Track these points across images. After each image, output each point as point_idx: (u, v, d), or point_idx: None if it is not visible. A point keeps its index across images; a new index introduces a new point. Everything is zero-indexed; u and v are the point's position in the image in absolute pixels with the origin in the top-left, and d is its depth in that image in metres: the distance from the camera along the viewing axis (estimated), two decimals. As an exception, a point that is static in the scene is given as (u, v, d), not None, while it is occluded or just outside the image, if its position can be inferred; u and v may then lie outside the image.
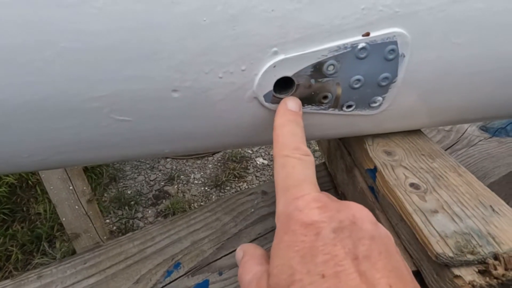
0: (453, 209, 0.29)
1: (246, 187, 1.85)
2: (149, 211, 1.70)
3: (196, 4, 0.22)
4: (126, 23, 0.22)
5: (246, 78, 0.26)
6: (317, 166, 0.53)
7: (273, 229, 0.44)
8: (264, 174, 1.95)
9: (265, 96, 0.27)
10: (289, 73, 0.26)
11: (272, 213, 0.46)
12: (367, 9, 0.25)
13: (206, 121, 0.28)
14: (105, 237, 1.20)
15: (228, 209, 0.45)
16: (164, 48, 0.23)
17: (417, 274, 0.29)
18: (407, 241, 0.30)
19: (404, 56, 0.27)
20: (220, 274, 0.37)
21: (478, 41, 0.28)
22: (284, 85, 0.27)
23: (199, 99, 0.26)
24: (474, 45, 0.28)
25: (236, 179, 1.89)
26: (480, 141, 0.66)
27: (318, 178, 0.23)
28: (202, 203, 1.74)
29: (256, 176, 1.94)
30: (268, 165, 2.02)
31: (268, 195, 0.48)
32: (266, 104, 0.28)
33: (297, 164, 0.23)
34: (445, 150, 0.64)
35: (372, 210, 0.36)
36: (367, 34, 0.26)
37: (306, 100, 0.28)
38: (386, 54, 0.27)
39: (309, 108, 0.29)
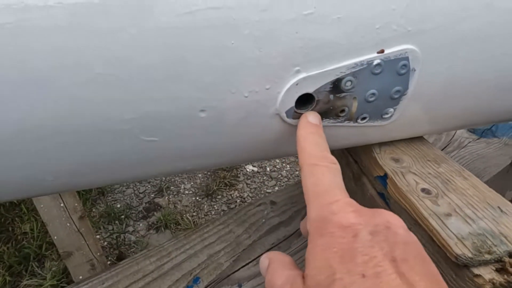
0: (465, 212, 0.30)
1: (238, 195, 1.85)
2: (140, 224, 1.67)
3: (226, 29, 0.23)
4: (158, 48, 0.23)
5: (270, 96, 0.27)
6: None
7: (285, 239, 0.44)
8: (255, 182, 1.96)
9: (287, 112, 0.28)
10: (310, 90, 0.27)
11: (282, 223, 0.46)
12: (381, 28, 0.26)
13: (229, 137, 0.29)
14: (98, 254, 1.18)
15: (239, 220, 0.46)
16: (193, 71, 0.24)
17: (435, 275, 0.31)
18: (423, 244, 0.32)
19: (414, 71, 0.29)
20: (240, 286, 0.38)
21: (482, 54, 0.30)
22: (304, 100, 0.28)
23: (224, 117, 0.27)
24: (478, 58, 0.30)
25: (227, 187, 1.89)
26: (469, 142, 0.69)
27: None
28: (194, 214, 1.73)
29: (247, 184, 1.94)
30: (258, 172, 2.03)
31: (277, 205, 0.49)
32: (288, 119, 0.29)
33: (326, 172, 0.24)
34: (438, 152, 0.66)
35: (383, 216, 0.38)
36: (382, 51, 0.27)
37: (325, 114, 0.30)
38: (398, 69, 0.28)
39: (326, 122, 0.30)
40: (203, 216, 1.73)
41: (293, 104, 0.28)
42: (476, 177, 0.35)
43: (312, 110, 0.29)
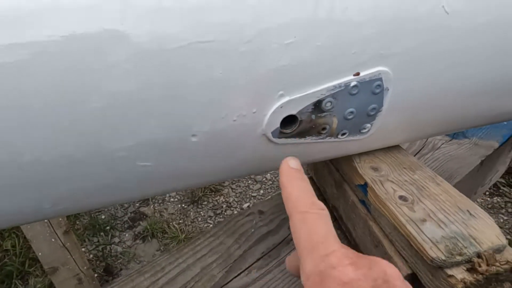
0: (438, 217, 0.33)
1: (223, 200, 1.86)
2: (126, 235, 1.65)
3: (215, 60, 0.25)
4: (152, 80, 0.24)
5: (257, 119, 0.29)
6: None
7: (274, 247, 0.46)
8: (240, 186, 1.97)
9: (272, 132, 0.30)
10: (293, 112, 0.29)
11: (271, 231, 0.48)
12: (357, 53, 0.29)
13: (219, 158, 0.31)
14: (85, 268, 1.16)
15: (229, 231, 0.47)
16: (186, 100, 0.26)
17: (414, 276, 0.33)
18: (402, 247, 0.35)
19: (388, 89, 0.32)
20: (233, 296, 0.39)
21: (449, 69, 0.33)
22: (289, 120, 0.30)
23: (215, 140, 0.29)
24: (445, 73, 0.33)
25: (213, 193, 1.89)
26: (442, 144, 0.73)
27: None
28: (180, 221, 1.72)
29: (232, 189, 1.95)
30: (242, 176, 2.05)
31: (265, 214, 0.51)
32: (274, 139, 0.31)
33: (317, 219, 0.23)
34: (414, 155, 0.70)
35: (365, 221, 0.40)
36: (357, 74, 0.30)
37: (308, 132, 0.32)
38: (373, 89, 0.31)
39: (309, 139, 0.32)
40: (189, 223, 1.73)
41: (278, 125, 0.30)
42: (447, 182, 0.38)
43: (295, 129, 0.31)
